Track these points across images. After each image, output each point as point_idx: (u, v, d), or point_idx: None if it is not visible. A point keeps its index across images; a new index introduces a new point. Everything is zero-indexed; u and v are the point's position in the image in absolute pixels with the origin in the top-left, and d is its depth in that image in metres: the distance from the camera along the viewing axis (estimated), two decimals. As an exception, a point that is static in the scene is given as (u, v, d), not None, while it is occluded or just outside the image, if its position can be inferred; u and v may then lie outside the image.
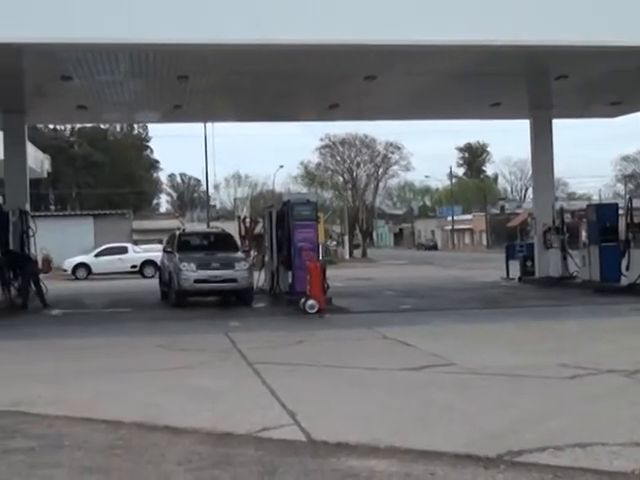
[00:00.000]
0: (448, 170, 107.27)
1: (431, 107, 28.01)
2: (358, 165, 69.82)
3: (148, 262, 40.60)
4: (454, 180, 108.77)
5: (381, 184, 74.78)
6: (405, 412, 7.95)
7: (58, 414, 8.07)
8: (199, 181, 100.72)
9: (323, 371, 10.66)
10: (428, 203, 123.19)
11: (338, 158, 69.96)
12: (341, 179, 71.58)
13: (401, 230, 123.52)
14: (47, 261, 41.40)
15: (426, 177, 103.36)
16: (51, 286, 25.52)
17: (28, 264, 22.96)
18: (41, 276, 26.00)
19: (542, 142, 28.02)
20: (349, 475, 5.86)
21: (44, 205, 69.44)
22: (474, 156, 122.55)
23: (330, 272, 21.54)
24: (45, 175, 42.24)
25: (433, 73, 21.18)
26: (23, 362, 12.13)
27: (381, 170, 70.71)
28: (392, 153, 69.89)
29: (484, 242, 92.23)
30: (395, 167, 71.95)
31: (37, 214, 35.82)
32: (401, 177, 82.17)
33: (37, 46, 17.08)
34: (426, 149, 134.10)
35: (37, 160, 36.80)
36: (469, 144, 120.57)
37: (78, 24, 16.13)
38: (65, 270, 41.44)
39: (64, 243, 44.77)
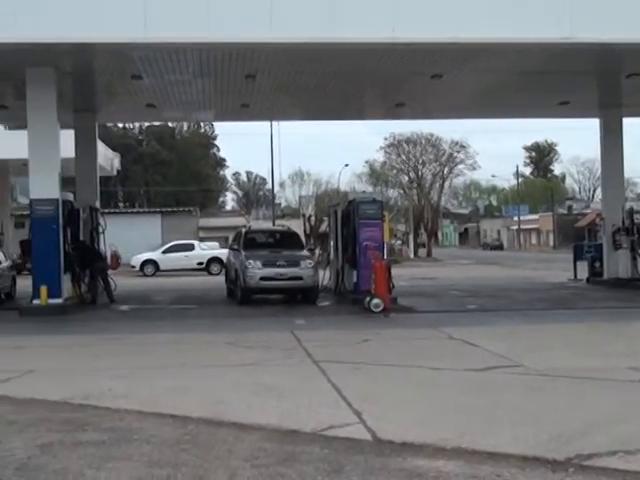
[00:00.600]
0: (515, 169, 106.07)
1: (498, 105, 27.78)
2: (423, 164, 69.43)
3: (214, 259, 40.99)
4: (521, 179, 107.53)
5: (446, 183, 74.27)
6: (471, 413, 7.89)
7: (128, 408, 8.19)
8: (264, 179, 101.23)
9: (388, 370, 10.63)
10: (494, 202, 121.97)
11: (403, 157, 69.66)
12: (406, 178, 71.28)
13: (466, 230, 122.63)
14: (116, 257, 42.02)
15: (492, 176, 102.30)
16: (119, 282, 25.90)
17: (97, 260, 23.35)
18: (110, 272, 26.45)
19: (612, 141, 27.51)
20: (415, 475, 5.84)
21: (113, 202, 70.57)
22: (541, 155, 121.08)
23: (395, 271, 21.46)
24: (115, 173, 42.94)
25: (501, 71, 21.02)
26: (93, 356, 12.36)
27: (446, 169, 70.22)
28: (458, 152, 69.37)
29: (551, 242, 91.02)
30: (461, 166, 71.41)
31: (106, 211, 36.37)
32: (467, 176, 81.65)
33: (109, 46, 17.42)
34: (493, 148, 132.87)
35: (107, 158, 37.44)
36: (536, 143, 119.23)
37: (149, 24, 16.42)
38: (133, 266, 41.97)
39: (132, 240, 45.39)
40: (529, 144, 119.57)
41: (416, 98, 25.26)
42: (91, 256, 23.27)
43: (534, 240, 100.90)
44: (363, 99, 26.04)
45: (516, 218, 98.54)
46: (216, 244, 44.59)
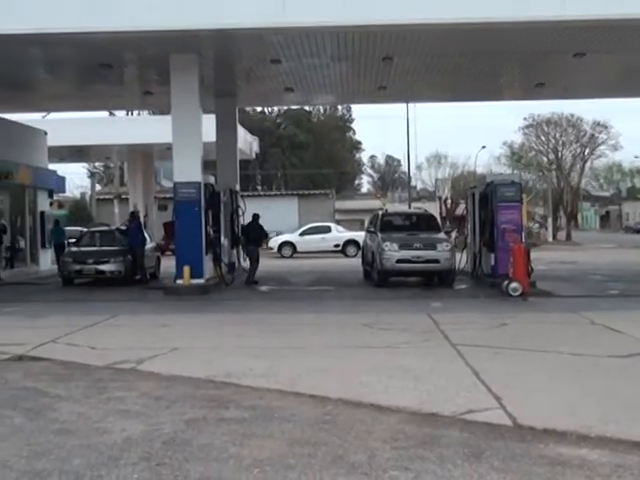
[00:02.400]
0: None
1: (643, 84, 26.75)
2: (563, 145, 67.60)
3: (350, 241, 41.12)
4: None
5: (587, 165, 72.10)
6: (615, 400, 7.67)
7: (268, 387, 8.34)
8: (399, 161, 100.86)
9: (527, 355, 10.44)
10: (638, 185, 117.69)
11: (542, 138, 68.02)
12: (545, 160, 69.60)
13: (607, 213, 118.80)
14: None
15: (635, 157, 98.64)
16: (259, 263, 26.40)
17: (262, 241, 23.83)
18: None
19: None
20: (557, 463, 5.72)
21: (252, 185, 71.74)
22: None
23: (533, 255, 21.02)
24: (253, 156, 43.74)
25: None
26: (235, 335, 12.64)
27: (587, 150, 68.13)
28: (599, 133, 67.23)
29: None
30: (602, 147, 69.17)
31: (245, 194, 37.03)
32: (609, 157, 78.97)
33: (249, 31, 17.69)
34: (636, 128, 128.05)
35: (246, 142, 38.15)
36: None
37: (288, 9, 16.59)
38: (271, 248, 42.57)
39: (270, 222, 46.06)
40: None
41: (557, 77, 24.59)
42: (260, 236, 23.75)
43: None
44: (501, 79, 25.55)
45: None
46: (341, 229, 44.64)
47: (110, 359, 10.09)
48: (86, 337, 12.42)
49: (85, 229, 28.45)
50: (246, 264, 25.89)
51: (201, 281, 20.28)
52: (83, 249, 24.17)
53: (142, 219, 27.66)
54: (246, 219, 26.00)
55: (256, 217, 24.11)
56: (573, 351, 10.52)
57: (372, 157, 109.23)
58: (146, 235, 24.91)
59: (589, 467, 5.62)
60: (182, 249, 20.42)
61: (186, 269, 19.93)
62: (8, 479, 5.48)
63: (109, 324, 14.23)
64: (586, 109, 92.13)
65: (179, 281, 20.14)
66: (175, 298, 19.11)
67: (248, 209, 26.30)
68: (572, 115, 65.85)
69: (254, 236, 23.87)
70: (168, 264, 23.29)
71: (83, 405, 7.66)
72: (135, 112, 51.00)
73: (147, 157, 43.09)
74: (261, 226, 24.13)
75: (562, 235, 66.03)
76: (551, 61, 21.89)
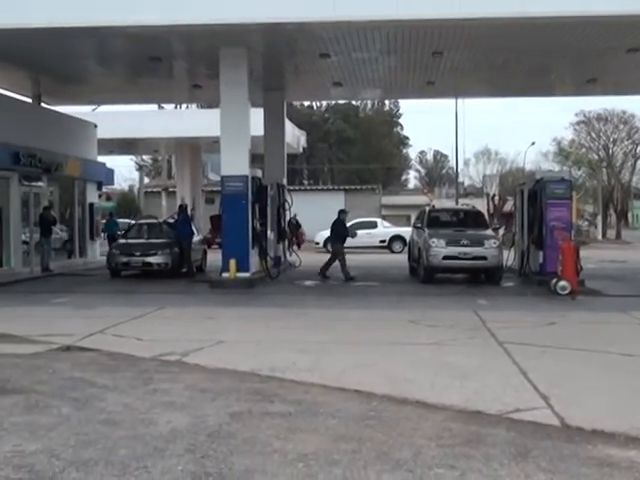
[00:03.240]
0: None
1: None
2: (614, 142, 66.70)
3: (396, 237, 41.01)
4: None
5: (639, 162, 71.10)
6: (666, 403, 7.56)
7: (313, 382, 8.34)
8: (447, 157, 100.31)
9: (575, 355, 10.33)
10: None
11: (593, 135, 67.17)
12: (595, 157, 68.74)
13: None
14: (301, 234, 42.93)
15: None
16: (303, 257, 26.43)
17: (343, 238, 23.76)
18: (294, 248, 27.06)
19: None
20: (606, 464, 5.64)
21: (298, 179, 71.86)
22: None
23: (582, 253, 20.77)
24: (300, 150, 43.78)
25: None
26: (279, 329, 12.68)
27: (639, 148, 67.22)
28: (653, 129, 66.22)
29: None
30: (656, 144, 68.12)
31: (292, 188, 37.10)
32: (661, 155, 77.72)
33: (299, 25, 17.73)
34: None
35: (294, 136, 38.20)
36: None
37: (338, 3, 16.59)
38: (317, 243, 42.58)
39: (317, 216, 46.10)
40: None
41: (609, 73, 24.29)
42: (345, 233, 23.92)
43: None
44: (552, 75, 25.27)
45: None
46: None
47: (156, 351, 10.16)
48: (133, 328, 12.54)
49: (133, 221, 28.70)
50: (292, 258, 25.99)
51: (247, 275, 20.36)
52: (131, 241, 24.41)
53: (189, 212, 27.85)
54: (299, 212, 26.09)
55: (341, 214, 24.12)
56: (622, 351, 10.38)
57: (421, 152, 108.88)
58: (193, 228, 25.08)
59: (638, 469, 5.53)
60: (228, 242, 20.52)
61: (232, 262, 20.02)
62: (55, 468, 5.54)
63: (156, 316, 14.35)
64: (639, 105, 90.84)
65: (225, 274, 20.24)
66: (221, 291, 19.21)
67: (295, 203, 26.36)
68: (624, 112, 64.93)
69: (340, 232, 23.73)
70: (214, 257, 23.42)
71: (129, 396, 7.72)
72: (183, 105, 51.31)
73: (195, 150, 43.37)
74: (344, 223, 24.13)
75: (612, 233, 65.18)
76: (604, 57, 21.61)
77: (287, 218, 26.52)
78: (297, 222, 44.73)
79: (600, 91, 29.80)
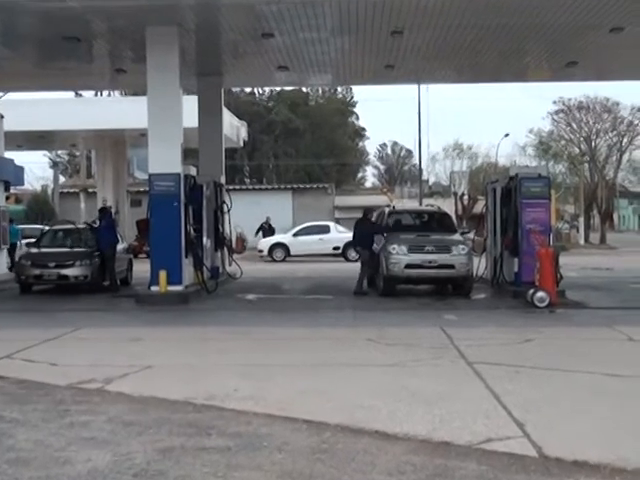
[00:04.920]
0: None
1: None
2: (597, 134, 67.64)
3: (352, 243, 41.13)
4: None
5: (625, 156, 72.06)
6: (656, 429, 7.67)
7: (256, 411, 8.32)
8: (410, 152, 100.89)
9: (554, 375, 10.45)
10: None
11: (574, 125, 68.05)
12: (577, 150, 69.63)
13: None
14: (241, 240, 42.90)
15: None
16: (245, 268, 26.38)
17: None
18: (235, 257, 27.00)
19: None
20: (589, 500, 5.72)
21: (239, 178, 71.76)
22: None
23: (562, 260, 21.04)
24: (241, 144, 43.74)
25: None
26: (218, 351, 12.64)
27: (625, 140, 68.16)
28: (639, 120, 67.27)
29: None
30: (642, 136, 69.20)
31: (232, 187, 37.05)
32: (649, 148, 78.97)
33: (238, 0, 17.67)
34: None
35: (233, 127, 38.17)
36: None
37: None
38: (261, 251, 42.57)
39: (260, 220, 46.11)
40: None
41: (590, 56, 24.63)
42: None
43: None
44: (527, 58, 25.55)
45: None
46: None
47: (74, 378, 10.07)
48: (46, 352, 12.42)
49: (47, 227, 28.40)
50: (232, 269, 25.93)
51: (179, 288, 20.27)
52: (44, 250, 24.16)
53: (113, 216, 27.65)
54: (232, 217, 26.01)
55: (367, 213, 23.94)
56: (608, 371, 10.51)
57: (380, 146, 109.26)
58: (118, 235, 24.90)
59: (625, 505, 5.62)
60: (158, 251, 20.40)
61: (162, 274, 19.91)
62: (-46, 516, 5.46)
63: (73, 337, 14.21)
64: (624, 92, 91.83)
65: (154, 288, 20.13)
66: (149, 308, 19.10)
67: (235, 205, 26.28)
68: (607, 99, 65.86)
69: (367, 234, 23.03)
70: (142, 268, 23.27)
71: (42, 431, 7.64)
72: (105, 93, 51.00)
73: (118, 145, 43.12)
74: (374, 224, 23.77)
75: (596, 237, 66.03)
76: (584, 37, 21.91)
77: (226, 222, 26.42)
78: (270, 226, 44.90)
79: (581, 76, 30.18)
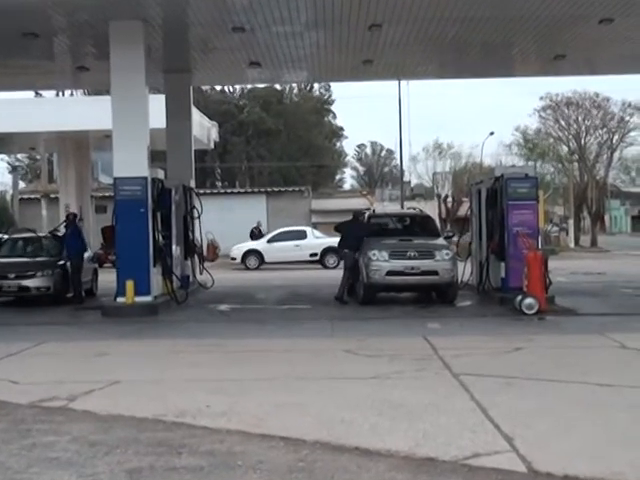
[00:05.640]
0: None
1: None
2: (587, 131, 67.96)
3: (330, 249, 41.06)
4: None
5: (616, 155, 72.45)
6: (651, 441, 7.71)
7: (229, 428, 8.31)
8: (391, 152, 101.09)
9: (545, 386, 10.47)
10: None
11: (562, 122, 68.34)
12: (565, 148, 69.92)
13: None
14: (213, 247, 42.82)
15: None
16: (217, 276, 26.36)
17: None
18: (206, 265, 26.95)
19: None
20: (582, 517, 5.74)
21: (210, 181, 71.67)
22: None
23: (552, 264, 21.13)
24: (212, 146, 43.71)
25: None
26: (189, 365, 12.59)
27: (616, 137, 68.53)
28: (630, 116, 67.60)
29: None
30: (634, 133, 69.55)
31: (202, 192, 36.99)
32: (642, 146, 79.42)
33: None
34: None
35: (203, 128, 38.12)
36: None
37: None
38: (234, 258, 42.50)
39: (233, 226, 46.06)
40: None
41: (579, 49, 24.75)
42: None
43: None
44: (512, 51, 25.64)
45: None
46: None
47: (36, 396, 10.01)
48: (6, 369, 12.34)
49: (5, 236, 28.25)
50: (202, 278, 25.88)
51: (148, 299, 20.22)
52: (3, 261, 24.01)
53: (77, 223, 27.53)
54: (203, 224, 25.96)
55: (358, 215, 23.88)
56: (600, 381, 10.56)
57: (359, 147, 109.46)
58: (85, 243, 24.80)
59: (620, 523, 5.64)
60: (124, 260, 20.33)
61: (129, 284, 19.85)
62: None
63: (35, 353, 14.13)
64: (614, 87, 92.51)
65: (121, 299, 20.07)
66: (116, 320, 19.04)
67: (206, 210, 26.23)
68: (597, 95, 66.18)
69: (357, 237, 22.74)
70: (107, 278, 23.18)
71: (1, 453, 7.59)
72: (67, 92, 50.82)
73: (82, 147, 42.92)
74: (366, 226, 23.54)
75: (586, 240, 66.38)
76: (573, 29, 22.02)
77: (197, 228, 26.37)
78: (260, 231, 44.98)
79: (569, 70, 30.29)
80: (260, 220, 47.46)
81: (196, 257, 26.63)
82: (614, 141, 68.60)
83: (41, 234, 26.62)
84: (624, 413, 8.88)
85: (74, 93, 52.09)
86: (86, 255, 24.57)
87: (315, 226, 48.58)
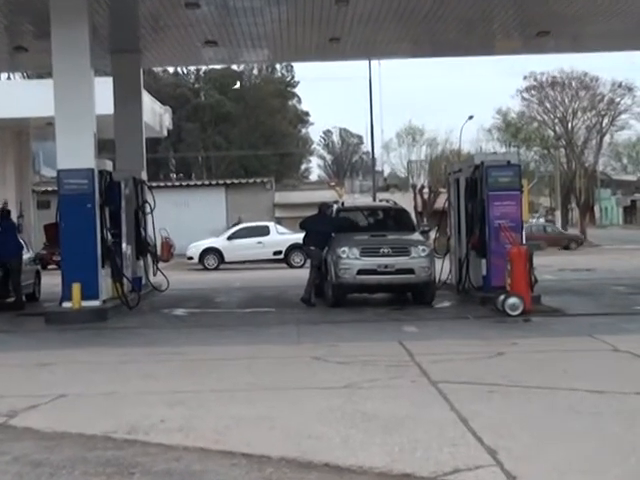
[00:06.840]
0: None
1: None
2: (574, 114, 68.34)
3: (296, 247, 41.08)
4: None
5: (606, 139, 72.98)
6: (647, 452, 7.77)
7: (187, 444, 8.28)
8: (361, 139, 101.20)
9: (530, 394, 10.51)
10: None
11: (547, 105, 68.72)
12: (551, 133, 70.29)
13: (633, 203, 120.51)
14: (168, 246, 42.75)
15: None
16: (172, 278, 26.33)
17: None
18: (161, 265, 26.87)
19: None
20: (572, 537, 5.77)
21: (163, 172, 71.48)
22: None
23: (537, 260, 21.21)
24: (165, 133, 43.61)
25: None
26: (142, 376, 12.55)
27: (606, 120, 69.01)
28: (621, 97, 68.10)
29: None
30: (625, 116, 70.11)
31: (155, 184, 36.89)
32: (633, 130, 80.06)
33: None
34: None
35: (155, 114, 38.03)
36: None
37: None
38: (190, 258, 42.48)
39: (189, 222, 46.00)
40: None
41: (564, 24, 24.85)
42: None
43: None
44: (492, 27, 25.76)
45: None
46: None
47: (-28, 412, 9.95)
48: (-61, 382, 12.25)
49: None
50: (156, 280, 25.81)
51: (96, 303, 20.15)
52: None
53: (16, 220, 27.38)
54: (156, 219, 25.88)
55: (325, 208, 23.86)
56: (591, 387, 10.60)
57: (326, 133, 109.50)
58: (22, 242, 24.64)
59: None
60: (70, 261, 20.26)
61: (76, 288, 19.77)
62: None
63: (-29, 363, 14.06)
64: (603, 66, 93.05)
65: (66, 304, 19.98)
66: (61, 327, 18.94)
67: (160, 205, 26.16)
68: (585, 74, 66.56)
69: (323, 233, 22.72)
70: (51, 281, 23.08)
71: None
72: (3, 75, 50.54)
73: (21, 136, 42.75)
74: (333, 220, 23.53)
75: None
76: (557, 2, 22.11)
77: (150, 225, 26.29)
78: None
79: (554, 47, 30.48)
80: (241, 216, 47.32)
81: (149, 257, 26.54)
82: (604, 125, 69.03)
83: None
84: (616, 422, 8.93)
85: (12, 76, 51.79)
86: (26, 256, 24.41)
87: (279, 221, 48.63)
